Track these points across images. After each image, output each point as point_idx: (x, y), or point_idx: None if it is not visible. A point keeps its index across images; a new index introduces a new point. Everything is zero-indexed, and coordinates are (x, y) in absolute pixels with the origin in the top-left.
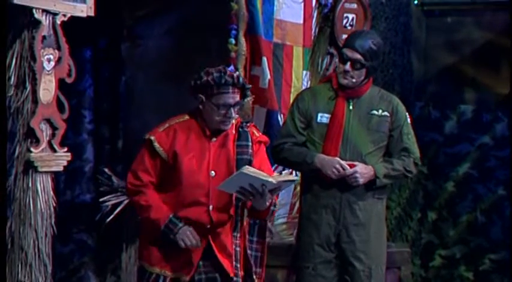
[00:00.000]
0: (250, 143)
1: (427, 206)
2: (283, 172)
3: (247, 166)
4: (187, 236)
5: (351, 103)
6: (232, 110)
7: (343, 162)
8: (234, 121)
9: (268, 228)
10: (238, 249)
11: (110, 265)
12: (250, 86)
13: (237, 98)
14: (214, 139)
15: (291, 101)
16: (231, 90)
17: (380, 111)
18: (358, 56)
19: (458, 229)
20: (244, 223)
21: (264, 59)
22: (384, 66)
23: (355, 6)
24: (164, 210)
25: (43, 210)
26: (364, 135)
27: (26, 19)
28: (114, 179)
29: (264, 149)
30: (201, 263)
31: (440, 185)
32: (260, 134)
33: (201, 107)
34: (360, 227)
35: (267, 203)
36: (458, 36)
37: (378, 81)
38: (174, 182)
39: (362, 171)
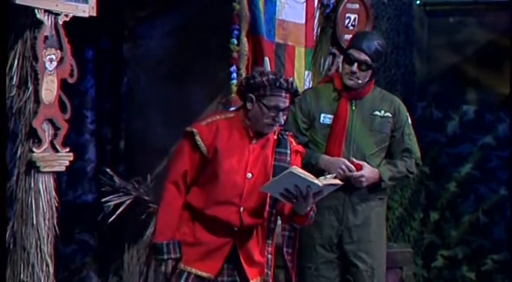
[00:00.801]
0: (289, 151)
1: (429, 206)
2: (328, 175)
3: (295, 166)
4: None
5: (354, 104)
6: (281, 114)
7: (348, 162)
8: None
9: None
10: (269, 256)
11: (112, 265)
12: (300, 94)
13: (287, 103)
14: (255, 141)
15: None
16: (283, 94)
17: (382, 111)
18: (366, 57)
19: (460, 229)
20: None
21: (266, 59)
22: (386, 66)
23: (357, 6)
24: (170, 228)
25: (45, 210)
26: (367, 136)
27: (28, 19)
28: (116, 179)
29: (300, 159)
30: (225, 265)
31: (443, 185)
32: (297, 144)
33: (249, 106)
34: (362, 227)
35: (308, 208)
36: (460, 37)
37: (380, 82)
38: (209, 177)
39: (369, 175)
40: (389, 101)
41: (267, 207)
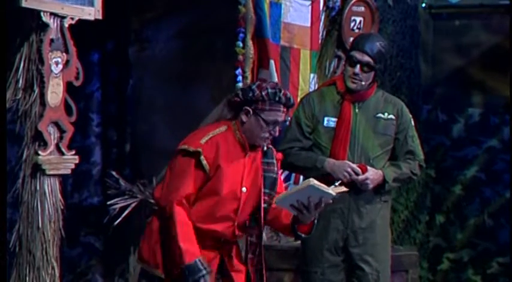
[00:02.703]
0: (275, 161)
1: (435, 209)
2: (337, 183)
3: (312, 179)
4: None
5: (357, 106)
6: (277, 128)
7: (354, 165)
8: None
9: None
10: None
11: (118, 268)
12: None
13: (284, 117)
14: (248, 154)
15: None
16: (282, 109)
17: (386, 114)
18: (368, 59)
19: (466, 232)
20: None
21: (272, 62)
22: (391, 69)
23: (362, 9)
24: (195, 246)
25: (51, 213)
26: (371, 139)
27: (34, 22)
28: (121, 182)
29: (280, 166)
30: (220, 280)
31: (448, 188)
32: (275, 150)
33: (245, 119)
34: (368, 230)
35: (312, 217)
36: (466, 40)
37: (385, 84)
38: (208, 193)
39: (373, 177)
40: (392, 103)
41: (247, 222)
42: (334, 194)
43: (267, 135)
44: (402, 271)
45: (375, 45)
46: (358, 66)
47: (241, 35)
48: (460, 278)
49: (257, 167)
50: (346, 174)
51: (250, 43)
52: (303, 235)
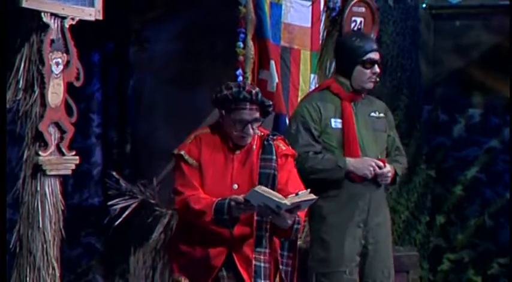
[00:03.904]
0: (274, 157)
1: (436, 209)
2: (300, 192)
3: (260, 186)
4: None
5: (355, 107)
6: (250, 127)
7: (376, 160)
8: (256, 135)
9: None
10: (262, 264)
11: (118, 268)
12: (271, 103)
13: (256, 114)
14: (237, 152)
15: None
16: (248, 107)
17: (377, 113)
18: (379, 56)
19: (466, 233)
20: (274, 239)
21: (272, 62)
22: (392, 69)
23: (363, 9)
24: (209, 199)
25: (51, 213)
26: (373, 136)
27: (35, 23)
28: (122, 182)
29: (292, 162)
30: (224, 273)
31: (449, 189)
32: (287, 146)
33: (221, 120)
34: (381, 226)
35: (289, 222)
36: (466, 40)
37: (386, 85)
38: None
39: (392, 170)
40: (378, 103)
41: (255, 217)
42: (288, 203)
43: (239, 134)
44: (403, 272)
45: (375, 42)
46: (376, 66)
47: (241, 35)
48: (460, 279)
49: (251, 164)
50: (371, 169)
51: (250, 43)
52: (281, 239)
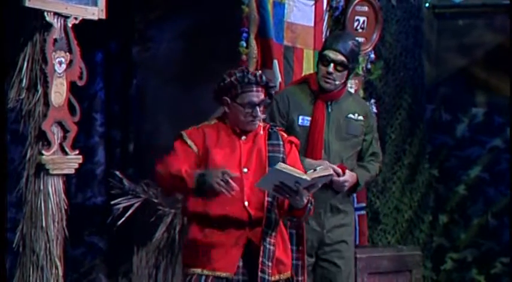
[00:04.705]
0: (281, 142)
1: (439, 209)
2: (318, 168)
3: (280, 163)
4: (218, 180)
5: (330, 106)
6: (258, 109)
7: (334, 166)
8: (261, 122)
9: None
10: (270, 247)
11: (121, 268)
12: (274, 84)
13: (262, 96)
14: (244, 137)
15: None
16: (254, 89)
17: (356, 115)
18: (342, 58)
19: (469, 232)
20: (281, 226)
21: (275, 62)
22: (395, 69)
23: (366, 9)
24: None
25: (54, 212)
26: (343, 140)
27: (38, 22)
28: (125, 181)
29: (296, 150)
30: (241, 263)
31: (452, 188)
32: (289, 136)
33: (227, 109)
34: (342, 228)
35: (304, 201)
36: (469, 39)
37: (389, 84)
38: None
39: (350, 179)
40: (361, 104)
41: (266, 198)
42: (309, 179)
43: (250, 118)
44: (406, 271)
45: (347, 44)
46: (331, 65)
47: (244, 34)
48: (463, 278)
49: (259, 150)
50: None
51: (253, 43)
52: (294, 219)
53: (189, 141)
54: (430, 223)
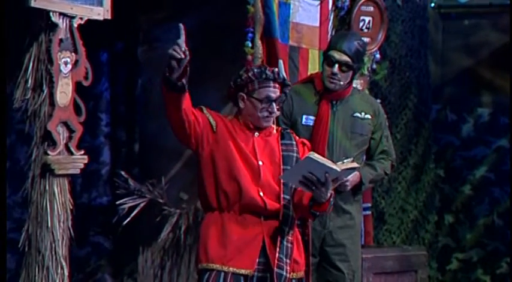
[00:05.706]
0: (294, 142)
1: (444, 209)
2: (345, 160)
3: (312, 152)
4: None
5: (335, 105)
6: (274, 105)
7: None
8: (274, 123)
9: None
10: (287, 244)
11: (127, 268)
12: (290, 83)
13: (278, 92)
14: (257, 133)
15: None
16: (272, 85)
17: (363, 113)
18: (346, 58)
19: (475, 232)
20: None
21: (280, 62)
22: (400, 69)
23: (371, 9)
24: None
25: (60, 213)
26: (349, 139)
27: (43, 22)
28: (130, 181)
29: (308, 151)
30: (257, 260)
31: (457, 188)
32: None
33: (242, 105)
34: (345, 229)
35: (328, 195)
36: (475, 39)
37: (394, 84)
38: (226, 168)
39: (353, 178)
40: (369, 102)
41: (282, 195)
42: (339, 170)
43: (266, 114)
44: (411, 271)
45: (352, 44)
46: (336, 65)
47: (250, 35)
48: (469, 278)
49: (272, 147)
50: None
51: (259, 43)
52: (317, 213)
53: (208, 115)
54: (436, 223)
